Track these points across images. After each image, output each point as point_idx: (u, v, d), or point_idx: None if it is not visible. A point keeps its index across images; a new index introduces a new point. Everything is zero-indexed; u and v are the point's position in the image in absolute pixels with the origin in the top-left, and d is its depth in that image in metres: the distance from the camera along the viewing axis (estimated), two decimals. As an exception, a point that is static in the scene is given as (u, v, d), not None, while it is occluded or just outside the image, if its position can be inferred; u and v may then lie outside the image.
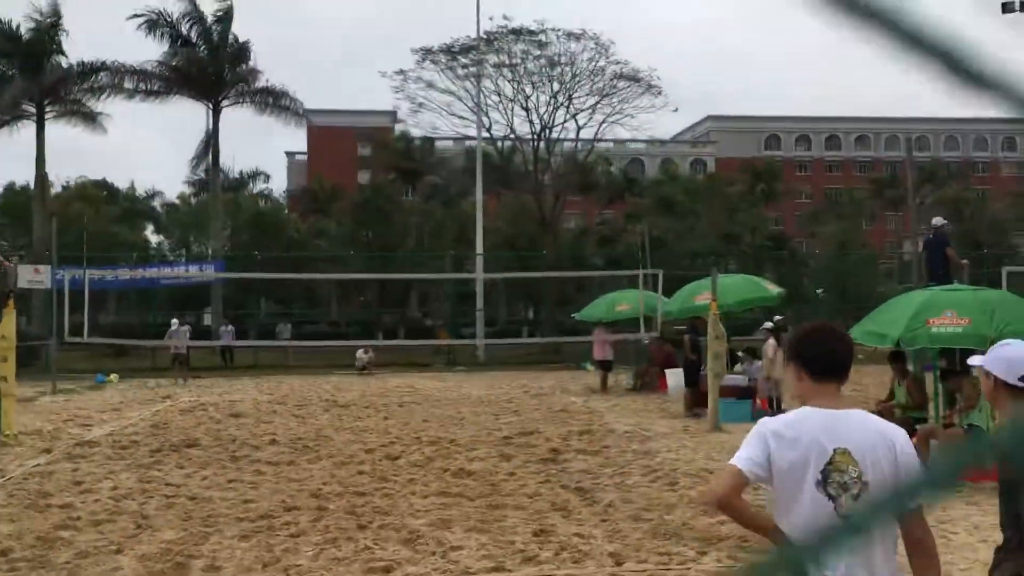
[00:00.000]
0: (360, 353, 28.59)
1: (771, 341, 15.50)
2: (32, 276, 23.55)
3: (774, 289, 19.49)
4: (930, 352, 11.93)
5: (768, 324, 16.49)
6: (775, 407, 15.31)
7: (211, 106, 39.86)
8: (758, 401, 15.34)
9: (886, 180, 70.00)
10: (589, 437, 12.92)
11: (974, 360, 3.52)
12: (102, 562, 6.54)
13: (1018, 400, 3.23)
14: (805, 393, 2.91)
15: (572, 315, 28.42)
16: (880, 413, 10.23)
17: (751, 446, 2.82)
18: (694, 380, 15.98)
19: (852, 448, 2.72)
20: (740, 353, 16.49)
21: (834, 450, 2.72)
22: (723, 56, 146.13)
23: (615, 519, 7.78)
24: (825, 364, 2.90)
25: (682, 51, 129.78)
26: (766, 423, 2.90)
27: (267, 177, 71.05)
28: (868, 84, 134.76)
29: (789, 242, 60.02)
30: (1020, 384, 3.22)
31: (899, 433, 2.82)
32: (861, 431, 2.77)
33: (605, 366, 21.19)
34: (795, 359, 2.96)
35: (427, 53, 37.86)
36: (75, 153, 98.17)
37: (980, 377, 3.34)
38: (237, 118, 56.87)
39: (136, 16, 37.84)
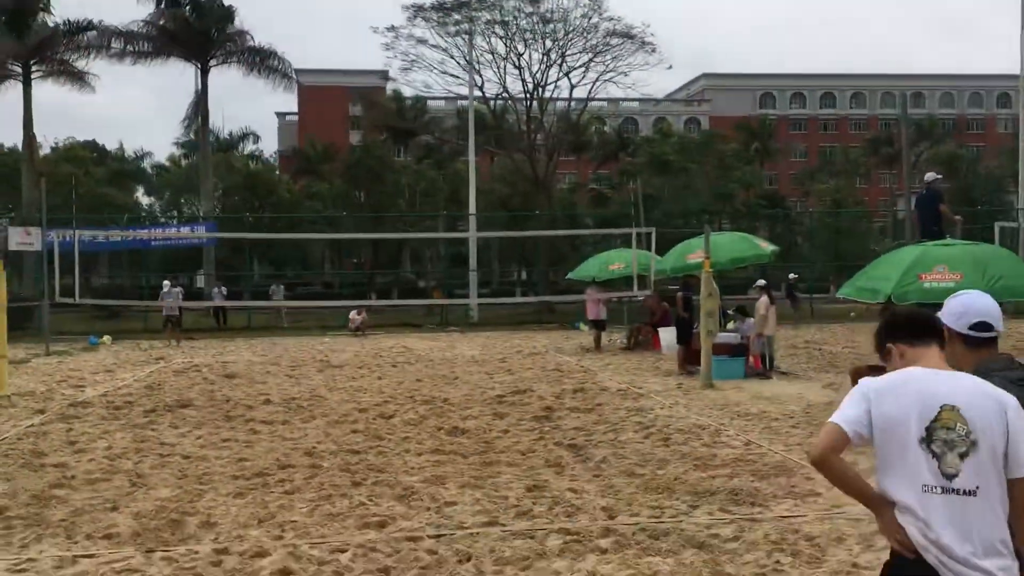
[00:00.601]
0: (353, 314, 28.59)
1: (764, 298, 15.53)
2: (22, 238, 23.43)
3: (767, 247, 19.47)
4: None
5: (761, 282, 16.50)
6: (767, 364, 15.38)
7: (199, 66, 39.48)
8: (751, 359, 15.39)
9: (881, 138, 69.86)
10: (582, 395, 12.96)
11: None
12: (97, 519, 6.56)
13: (976, 352, 3.05)
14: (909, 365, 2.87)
15: (566, 275, 28.45)
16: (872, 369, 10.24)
17: (852, 404, 2.77)
18: (687, 338, 16.01)
19: (962, 406, 2.67)
20: (731, 311, 16.50)
21: (941, 407, 2.68)
22: (717, 13, 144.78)
23: (608, 475, 7.83)
24: (924, 328, 2.91)
25: (676, 7, 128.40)
26: (868, 382, 2.82)
27: (257, 138, 70.65)
28: (863, 40, 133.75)
29: (783, 200, 60.02)
30: (971, 333, 3.03)
31: (1011, 399, 2.73)
32: (971, 391, 2.72)
33: (599, 325, 21.23)
34: (893, 337, 2.96)
35: (418, 10, 37.43)
36: (64, 115, 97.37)
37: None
38: (227, 79, 56.37)
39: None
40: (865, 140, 73.71)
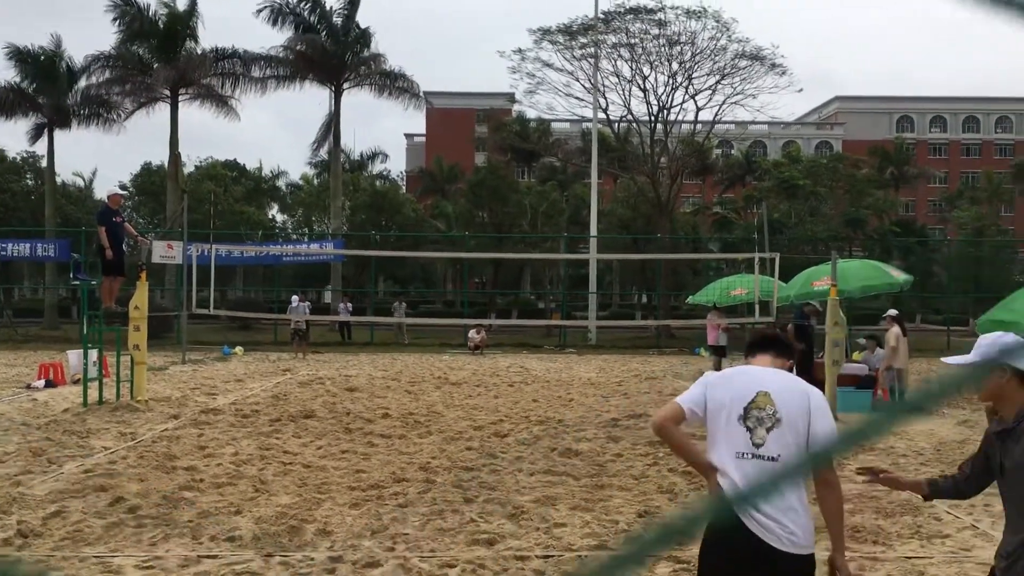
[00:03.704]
0: (472, 333, 28.92)
1: (895, 329, 14.85)
2: (165, 251, 24.78)
3: (899, 275, 18.68)
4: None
5: (892, 312, 15.80)
6: (896, 399, 14.71)
7: (333, 89, 40.95)
8: (879, 392, 14.76)
9: (1028, 163, 66.10)
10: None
11: (965, 359, 3.32)
12: (222, 522, 6.83)
13: None
14: None
15: (686, 299, 28.02)
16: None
17: (693, 389, 3.53)
18: (806, 368, 15.45)
19: (773, 392, 3.35)
20: (861, 340, 15.85)
21: (757, 392, 3.36)
22: (850, 35, 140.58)
23: (723, 504, 7.65)
24: (760, 342, 3.69)
25: (808, 30, 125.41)
26: (709, 375, 3.60)
27: (385, 157, 72.56)
28: (1010, 63, 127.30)
29: (920, 228, 57.48)
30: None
31: (815, 391, 3.43)
32: (783, 382, 3.42)
33: (719, 351, 20.79)
34: (750, 350, 3.75)
35: (545, 33, 37.73)
36: (206, 135, 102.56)
37: (994, 377, 3.17)
38: (357, 100, 58.27)
39: (262, 9, 39.32)
40: (1011, 166, 69.95)
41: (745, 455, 3.28)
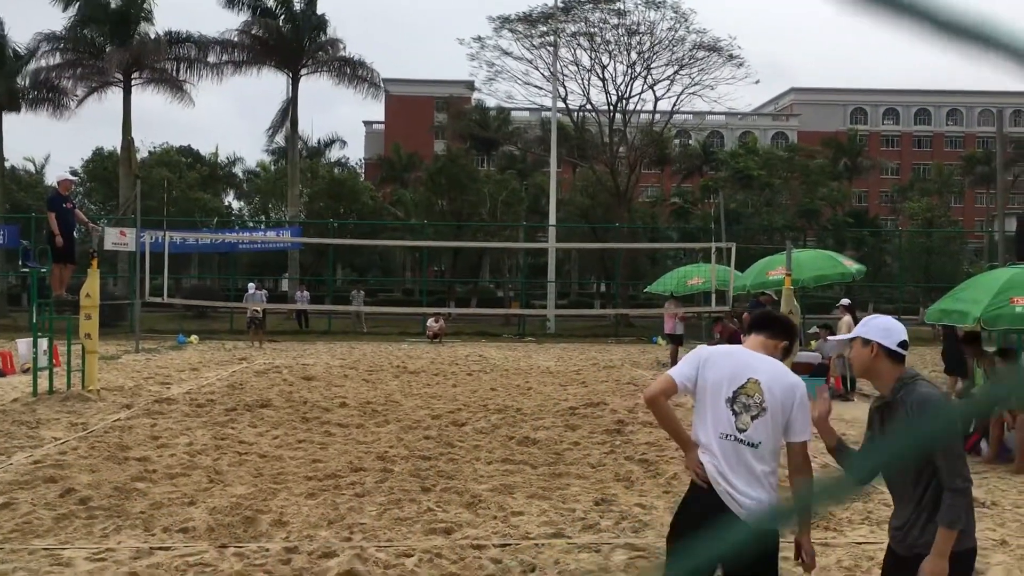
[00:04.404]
0: (431, 321, 28.87)
1: (847, 318, 15.14)
2: (117, 238, 24.38)
3: (852, 266, 18.99)
4: (1015, 334, 11.48)
5: (844, 301, 16.09)
6: (849, 387, 14.98)
7: (291, 75, 40.47)
8: (831, 379, 15.00)
9: (978, 156, 67.45)
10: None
11: (846, 336, 3.67)
12: (175, 513, 6.76)
13: (898, 366, 3.42)
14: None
15: (644, 288, 28.22)
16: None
17: (686, 364, 3.71)
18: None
19: (763, 381, 3.52)
20: (816, 328, 16.10)
21: (748, 378, 3.53)
22: (807, 27, 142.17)
23: (679, 491, 7.69)
24: (754, 321, 3.95)
25: (765, 22, 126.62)
26: (703, 350, 3.76)
27: (343, 144, 71.90)
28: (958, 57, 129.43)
29: (873, 219, 58.40)
30: (899, 350, 3.43)
31: (802, 385, 3.62)
32: (774, 372, 3.58)
33: (676, 340, 20.97)
34: (750, 329, 3.95)
35: (504, 21, 37.69)
36: (160, 121, 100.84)
37: (855, 348, 3.49)
38: (315, 87, 57.67)
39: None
40: (961, 158, 71.30)
41: (729, 436, 3.50)
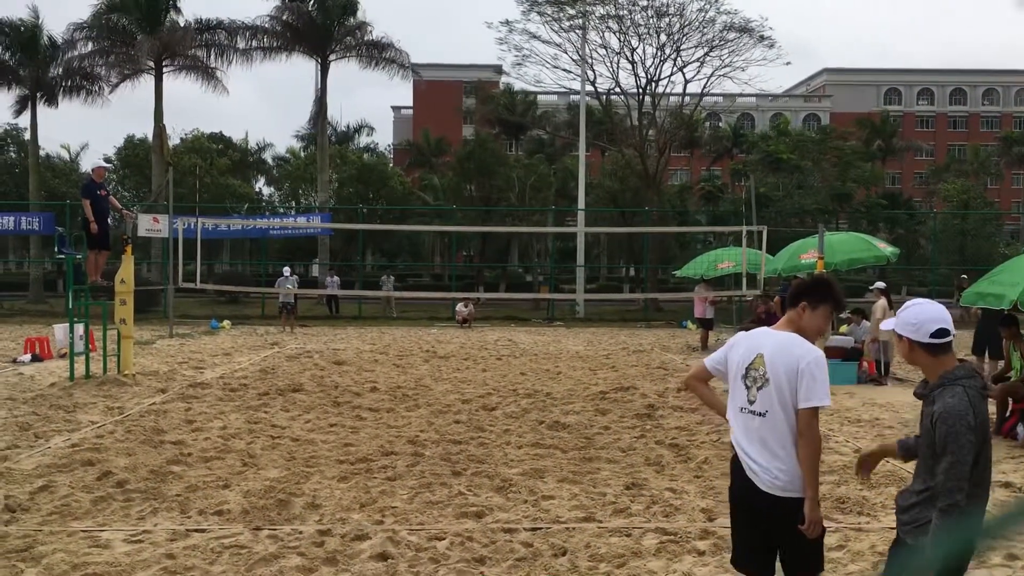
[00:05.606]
0: (460, 306, 28.92)
1: (881, 301, 14.93)
2: (151, 225, 24.63)
3: (886, 248, 18.75)
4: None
5: (879, 284, 15.86)
6: (883, 370, 14.82)
7: (320, 61, 40.57)
8: (865, 364, 14.85)
9: (1015, 136, 66.26)
10: (687, 394, 12.78)
11: (886, 324, 3.59)
12: (210, 496, 6.84)
13: (938, 356, 3.35)
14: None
15: (674, 272, 28.07)
16: (999, 384, 9.74)
17: (720, 351, 4.05)
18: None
19: (767, 354, 3.78)
20: (848, 313, 15.91)
21: (756, 354, 3.82)
22: (839, 8, 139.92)
23: (709, 476, 7.70)
24: (794, 295, 3.99)
25: (796, 2, 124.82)
26: (735, 336, 4.07)
27: (372, 130, 72.04)
28: (997, 36, 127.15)
29: (907, 201, 57.59)
30: (933, 341, 3.34)
31: (811, 355, 3.72)
32: (778, 344, 3.79)
33: (706, 324, 20.88)
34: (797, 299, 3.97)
35: (533, 4, 37.45)
36: (191, 108, 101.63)
37: (895, 338, 3.46)
38: (343, 72, 57.85)
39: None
40: (997, 138, 70.08)
41: (743, 410, 3.82)
